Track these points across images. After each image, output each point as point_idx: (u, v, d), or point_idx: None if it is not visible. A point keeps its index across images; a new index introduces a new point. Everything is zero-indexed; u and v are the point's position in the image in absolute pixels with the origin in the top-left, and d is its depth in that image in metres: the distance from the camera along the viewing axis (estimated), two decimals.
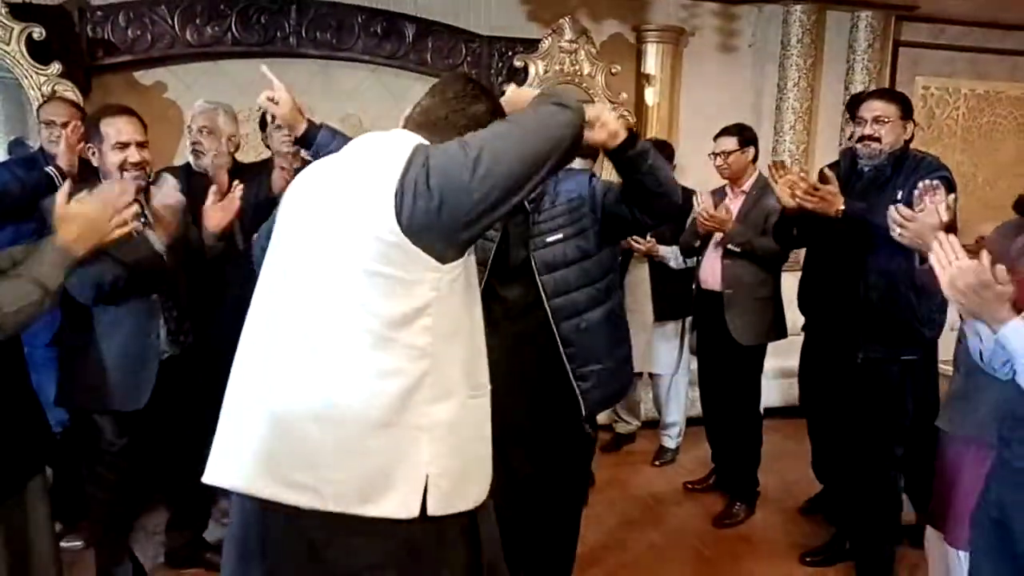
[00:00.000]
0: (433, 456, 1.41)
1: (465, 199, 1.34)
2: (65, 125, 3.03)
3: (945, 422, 2.29)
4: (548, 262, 2.23)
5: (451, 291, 1.41)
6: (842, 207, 2.65)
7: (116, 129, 2.43)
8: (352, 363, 1.38)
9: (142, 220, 2.46)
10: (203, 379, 2.59)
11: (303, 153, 2.72)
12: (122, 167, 2.43)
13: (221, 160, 3.13)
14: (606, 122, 1.88)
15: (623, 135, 1.89)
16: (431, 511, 1.40)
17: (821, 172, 2.88)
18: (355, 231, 1.38)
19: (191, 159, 3.30)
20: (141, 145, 2.46)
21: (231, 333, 1.57)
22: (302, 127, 2.22)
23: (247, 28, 4.31)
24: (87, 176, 2.94)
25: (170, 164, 3.42)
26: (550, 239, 2.24)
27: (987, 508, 1.82)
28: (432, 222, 1.34)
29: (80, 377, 2.52)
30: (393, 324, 1.37)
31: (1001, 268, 1.64)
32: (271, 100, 2.21)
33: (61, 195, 1.72)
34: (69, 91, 3.84)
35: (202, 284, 2.70)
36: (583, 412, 2.30)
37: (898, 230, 2.20)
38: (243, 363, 1.49)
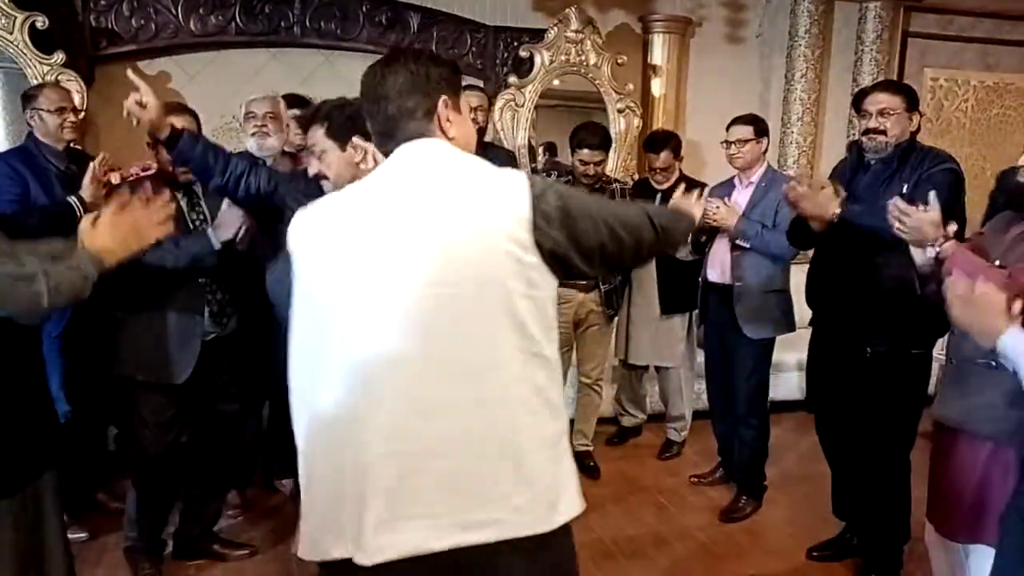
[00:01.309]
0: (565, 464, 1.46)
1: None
2: (61, 112, 3.02)
3: (938, 412, 2.27)
4: None
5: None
6: (837, 211, 2.64)
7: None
8: (515, 387, 1.37)
9: (200, 218, 2.70)
10: (242, 362, 2.82)
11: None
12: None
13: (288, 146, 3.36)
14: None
15: None
16: (577, 511, 1.45)
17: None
18: (492, 257, 1.34)
19: (252, 145, 3.27)
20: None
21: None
22: (166, 132, 2.28)
23: (251, 18, 4.28)
24: (83, 167, 2.94)
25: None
26: None
27: (1017, 510, 1.79)
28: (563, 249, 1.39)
29: (126, 349, 2.67)
30: (539, 341, 1.39)
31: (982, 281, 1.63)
32: (140, 104, 2.23)
33: (85, 224, 1.74)
34: (72, 80, 3.83)
35: (247, 271, 2.74)
36: None
37: (896, 224, 2.19)
38: (341, 424, 1.37)
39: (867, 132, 2.76)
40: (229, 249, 2.63)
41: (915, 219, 2.16)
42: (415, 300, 1.33)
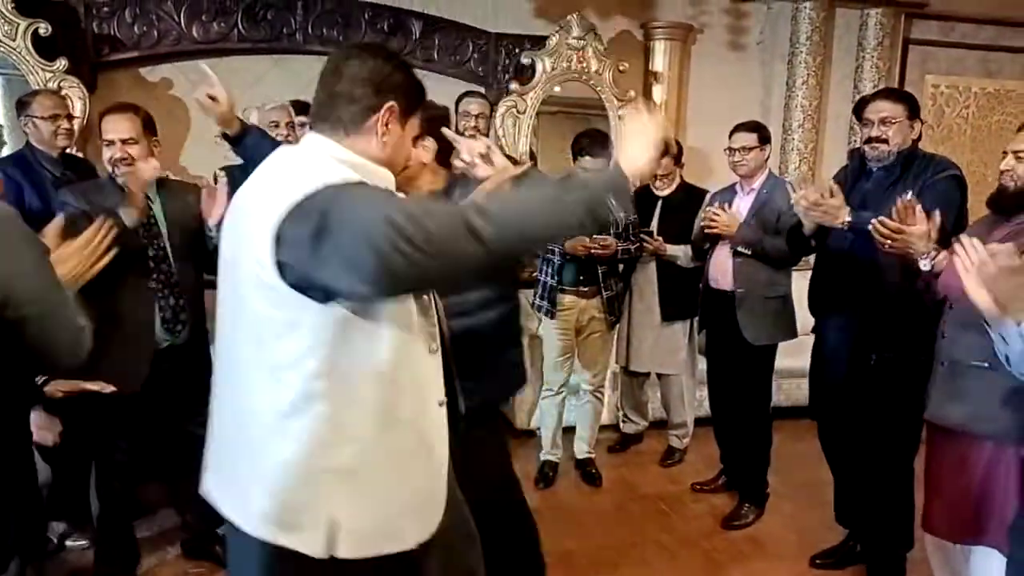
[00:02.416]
0: (344, 498, 1.39)
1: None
2: (54, 119, 3.03)
3: (934, 415, 2.27)
4: None
5: (344, 331, 1.35)
6: (848, 219, 2.63)
7: (105, 127, 2.58)
8: (254, 397, 1.42)
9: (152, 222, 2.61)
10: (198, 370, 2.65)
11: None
12: (111, 163, 2.56)
13: None
14: (492, 159, 1.87)
15: (512, 171, 1.84)
16: (343, 554, 1.38)
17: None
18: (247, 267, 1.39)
19: None
20: (126, 142, 2.55)
21: None
22: (235, 127, 2.25)
23: (253, 24, 4.29)
24: (84, 175, 2.94)
25: (175, 161, 3.41)
26: None
27: None
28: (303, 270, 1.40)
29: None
30: (279, 366, 1.36)
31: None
32: (211, 97, 2.22)
33: (53, 229, 1.72)
34: (75, 87, 3.84)
35: (204, 278, 2.73)
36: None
37: (886, 244, 2.19)
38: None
39: (869, 140, 2.76)
40: (186, 252, 2.64)
41: (904, 236, 2.16)
42: (221, 290, 1.49)
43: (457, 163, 1.96)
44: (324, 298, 1.31)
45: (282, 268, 1.29)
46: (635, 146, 1.52)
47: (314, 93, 1.46)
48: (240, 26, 4.28)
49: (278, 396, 1.36)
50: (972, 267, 1.68)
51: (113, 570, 2.74)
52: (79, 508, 3.13)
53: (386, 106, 1.40)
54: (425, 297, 1.49)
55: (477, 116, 3.75)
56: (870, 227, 2.22)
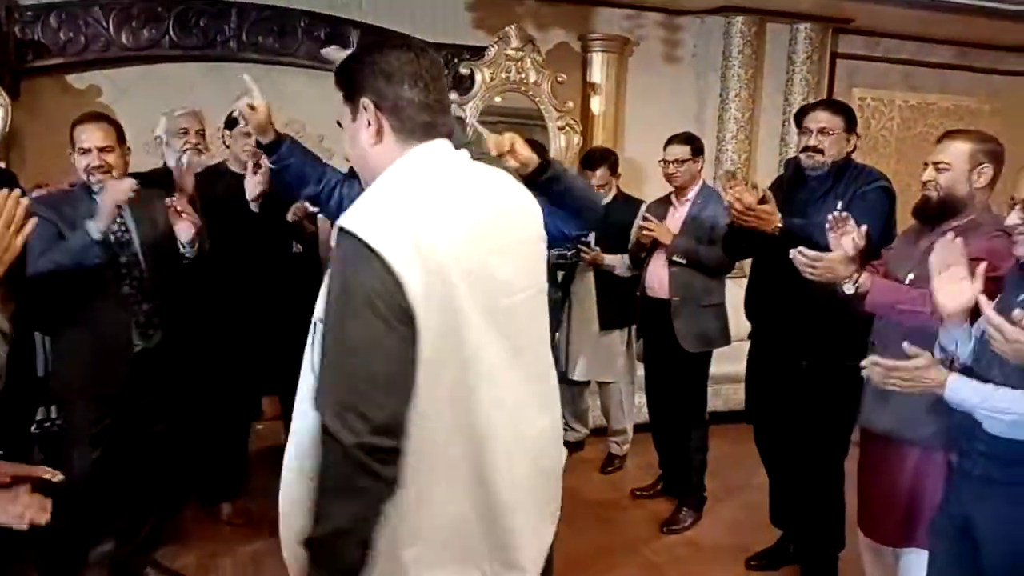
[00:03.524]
0: None
1: None
2: None
3: (865, 421, 2.34)
4: None
5: None
6: (780, 224, 2.69)
7: (81, 136, 2.61)
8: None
9: (122, 230, 2.64)
10: (169, 380, 2.75)
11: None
12: (87, 170, 2.59)
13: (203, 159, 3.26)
14: (517, 151, 1.88)
15: (535, 163, 1.89)
16: None
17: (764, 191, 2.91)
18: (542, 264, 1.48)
19: (184, 162, 3.06)
20: (103, 150, 2.60)
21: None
22: (270, 136, 2.29)
23: (185, 31, 4.21)
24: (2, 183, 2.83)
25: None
26: None
27: (949, 518, 1.85)
28: None
29: (59, 369, 2.72)
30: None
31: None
32: (251, 107, 2.25)
33: None
34: None
35: (177, 283, 2.77)
36: None
37: (807, 271, 2.25)
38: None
39: (806, 149, 2.82)
40: (158, 258, 2.65)
41: (825, 263, 2.22)
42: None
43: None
44: None
45: None
46: None
47: (415, 103, 1.29)
48: (172, 33, 4.19)
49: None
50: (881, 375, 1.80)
51: None
52: None
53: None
54: None
55: None
56: (791, 255, 2.27)
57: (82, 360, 2.61)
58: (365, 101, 1.29)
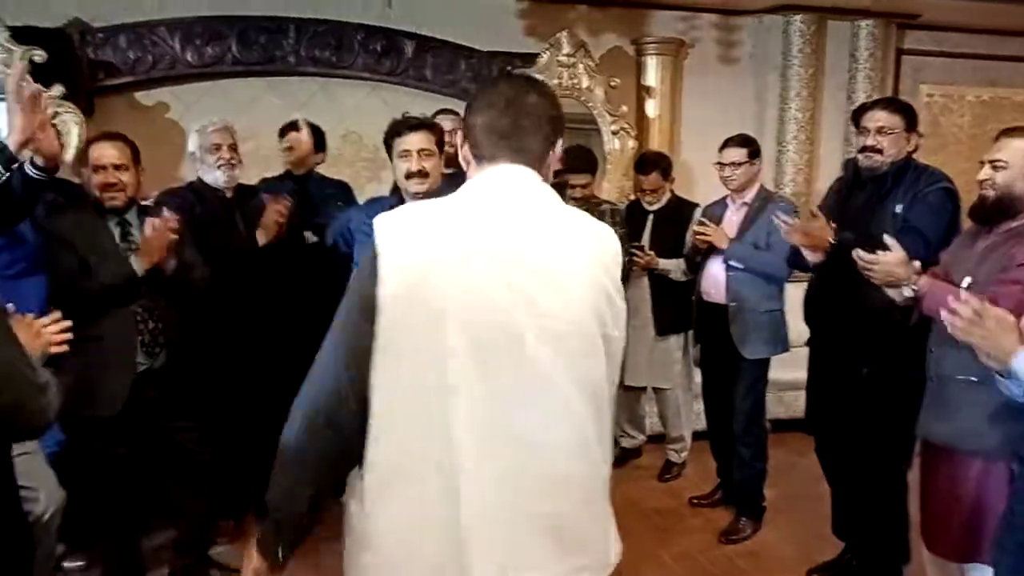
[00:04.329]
0: None
1: None
2: None
3: (924, 431, 2.26)
4: None
5: None
6: (833, 240, 2.66)
7: (95, 153, 2.65)
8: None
9: (132, 248, 2.67)
10: (177, 393, 2.75)
11: None
12: (99, 188, 2.64)
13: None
14: None
15: None
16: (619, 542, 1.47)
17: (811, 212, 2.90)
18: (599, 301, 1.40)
19: (219, 178, 3.14)
20: (118, 167, 2.64)
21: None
22: None
23: (247, 48, 4.34)
24: (74, 199, 2.96)
25: (170, 186, 3.40)
26: None
27: (1013, 531, 1.78)
28: None
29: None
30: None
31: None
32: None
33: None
34: (72, 113, 3.87)
35: (182, 303, 2.80)
36: None
37: (866, 273, 2.22)
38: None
39: (864, 149, 2.76)
40: (162, 277, 2.66)
41: (883, 264, 2.17)
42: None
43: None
44: None
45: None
46: None
47: (488, 126, 1.35)
48: (234, 50, 4.32)
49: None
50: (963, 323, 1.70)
51: None
52: (76, 529, 3.15)
53: (557, 143, 1.41)
54: None
55: (450, 132, 3.78)
56: (853, 256, 2.25)
57: (81, 380, 2.48)
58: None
